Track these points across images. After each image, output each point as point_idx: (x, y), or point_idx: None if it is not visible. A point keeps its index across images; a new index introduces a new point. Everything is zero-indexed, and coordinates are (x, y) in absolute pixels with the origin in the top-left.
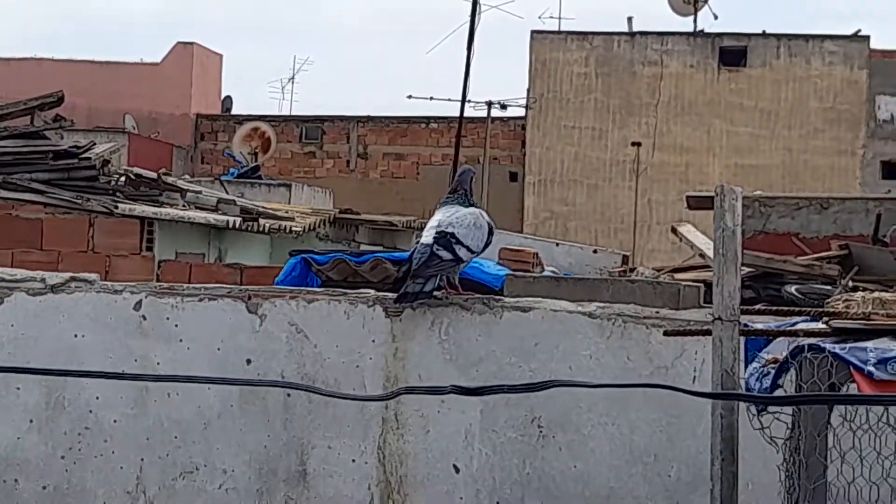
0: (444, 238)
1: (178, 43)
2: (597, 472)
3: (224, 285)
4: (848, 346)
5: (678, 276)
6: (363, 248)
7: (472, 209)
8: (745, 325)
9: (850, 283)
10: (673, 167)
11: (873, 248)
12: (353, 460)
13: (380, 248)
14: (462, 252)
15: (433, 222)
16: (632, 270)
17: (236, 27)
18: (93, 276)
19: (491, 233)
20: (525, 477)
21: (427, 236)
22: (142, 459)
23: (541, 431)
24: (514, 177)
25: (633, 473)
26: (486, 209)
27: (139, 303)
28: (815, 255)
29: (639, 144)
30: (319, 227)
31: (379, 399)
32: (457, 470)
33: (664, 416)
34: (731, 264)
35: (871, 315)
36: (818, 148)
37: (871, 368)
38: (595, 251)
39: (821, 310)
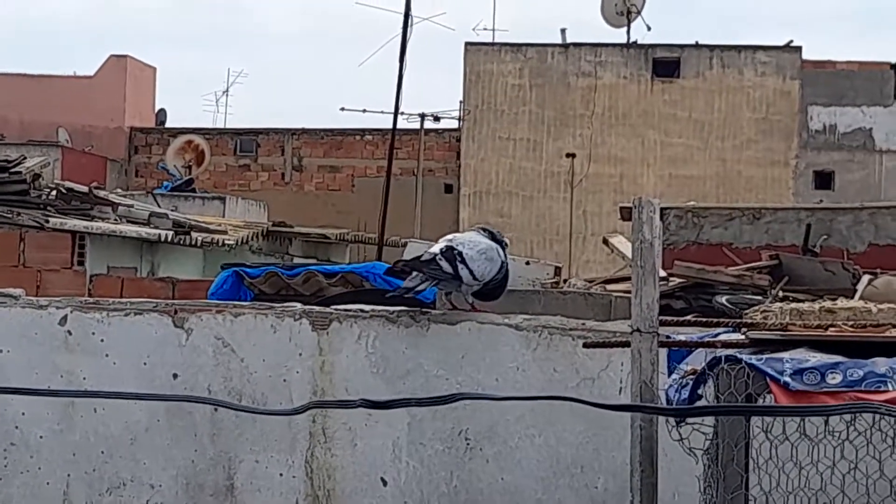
0: (451, 252)
1: (112, 56)
2: (524, 484)
3: (150, 300)
4: (765, 356)
5: (610, 287)
6: (296, 261)
7: (492, 244)
8: (667, 337)
9: (780, 294)
10: (607, 178)
11: (803, 259)
12: (281, 474)
13: (313, 261)
14: (463, 272)
15: (447, 237)
16: (564, 282)
17: (169, 40)
18: (17, 291)
19: (502, 271)
20: (453, 489)
21: (436, 247)
22: (68, 475)
23: (468, 444)
24: (448, 188)
25: (560, 485)
26: (421, 221)
27: (64, 318)
28: (746, 266)
29: (573, 156)
30: (252, 240)
31: (288, 413)
32: (384, 483)
33: (591, 427)
34: (649, 276)
35: (789, 326)
36: (751, 158)
37: (788, 379)
38: (528, 263)
39: (739, 321)
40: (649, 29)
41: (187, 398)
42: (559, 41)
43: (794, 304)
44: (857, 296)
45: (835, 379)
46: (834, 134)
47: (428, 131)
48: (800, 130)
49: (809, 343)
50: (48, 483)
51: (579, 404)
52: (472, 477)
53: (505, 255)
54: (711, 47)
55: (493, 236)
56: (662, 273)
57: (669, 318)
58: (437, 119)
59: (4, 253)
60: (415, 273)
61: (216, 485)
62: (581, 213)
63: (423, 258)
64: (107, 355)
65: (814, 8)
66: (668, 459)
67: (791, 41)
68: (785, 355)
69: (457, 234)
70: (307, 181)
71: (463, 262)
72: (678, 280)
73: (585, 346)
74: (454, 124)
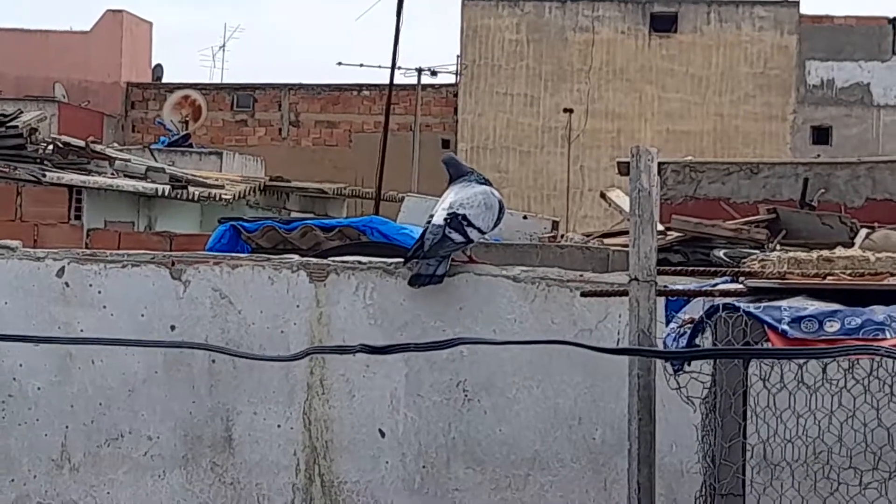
0: (456, 220)
1: (108, 11)
2: (522, 436)
3: (147, 251)
4: (763, 305)
5: (607, 241)
6: (294, 215)
7: (483, 188)
8: (665, 286)
9: (778, 247)
10: (605, 133)
11: (801, 212)
12: (279, 426)
13: (310, 216)
14: (473, 234)
15: (445, 203)
16: (561, 237)
17: None
18: (15, 242)
19: (501, 211)
20: (451, 441)
21: (438, 217)
22: (66, 427)
23: (466, 395)
24: (446, 144)
25: (558, 436)
26: (418, 176)
27: (62, 269)
28: (744, 220)
29: (571, 111)
30: (250, 194)
31: (287, 360)
32: (382, 434)
33: (589, 378)
34: (647, 225)
35: (787, 274)
36: (749, 113)
37: (786, 327)
38: (525, 217)
39: (737, 269)
40: None
41: (184, 344)
42: None
43: (792, 253)
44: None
45: (833, 327)
46: (832, 89)
47: (425, 86)
48: (797, 85)
49: (807, 291)
50: (46, 435)
51: (577, 357)
52: (470, 428)
53: (498, 191)
54: (709, 2)
55: (479, 178)
56: (660, 227)
57: (667, 268)
58: (434, 74)
59: (1, 207)
60: (426, 262)
61: (214, 436)
62: (578, 168)
63: (432, 240)
64: (104, 307)
65: None
66: (666, 409)
67: None
68: (783, 303)
69: (451, 197)
70: (304, 136)
71: (470, 224)
72: (676, 234)
73: (583, 294)
74: (451, 79)
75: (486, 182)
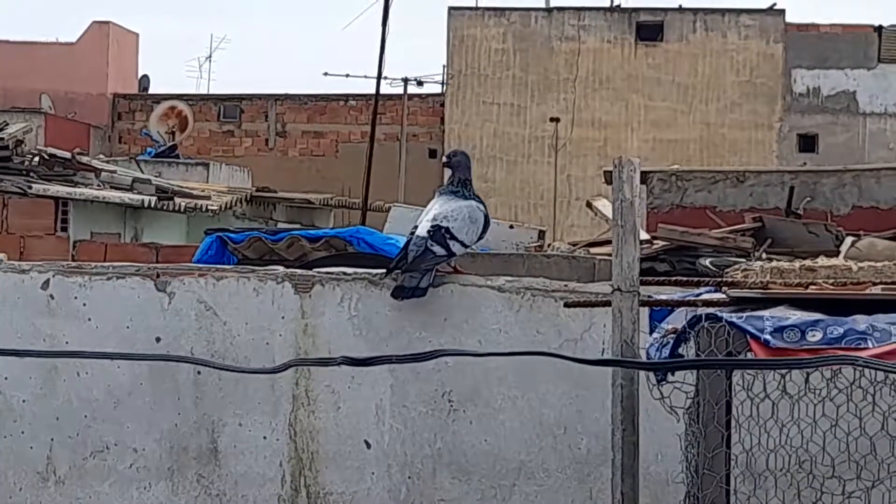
0: (439, 233)
1: (94, 22)
2: (507, 446)
3: (132, 263)
4: (745, 314)
5: (594, 250)
6: (280, 226)
7: (468, 202)
8: (649, 296)
9: (764, 256)
10: (591, 142)
11: (786, 221)
12: (265, 437)
13: (297, 226)
14: (455, 247)
15: (430, 214)
16: (548, 246)
17: (151, 5)
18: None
19: (486, 226)
20: (436, 451)
21: (422, 228)
22: (52, 439)
23: (451, 406)
24: (433, 153)
25: (544, 446)
26: (405, 186)
27: (47, 282)
28: (730, 228)
29: (557, 120)
30: (236, 205)
31: (270, 371)
32: (368, 445)
33: (574, 389)
34: (629, 235)
35: (769, 284)
36: (735, 121)
37: (768, 336)
38: (511, 226)
39: (719, 279)
40: None
41: (168, 357)
42: (542, 5)
43: (774, 263)
44: (841, 257)
45: (815, 336)
46: (818, 97)
47: (411, 96)
48: (784, 93)
49: (790, 301)
50: (31, 447)
51: (562, 367)
52: (456, 439)
53: (483, 205)
54: (695, 10)
55: (464, 193)
56: (646, 236)
57: (650, 278)
58: (420, 83)
59: None
60: (409, 275)
61: (200, 448)
62: (565, 177)
63: (415, 252)
64: (89, 319)
65: None
66: (651, 419)
67: (774, 4)
68: (765, 313)
69: (435, 209)
70: (291, 147)
71: (453, 237)
72: (662, 243)
73: (567, 305)
74: (438, 89)
75: (472, 196)
